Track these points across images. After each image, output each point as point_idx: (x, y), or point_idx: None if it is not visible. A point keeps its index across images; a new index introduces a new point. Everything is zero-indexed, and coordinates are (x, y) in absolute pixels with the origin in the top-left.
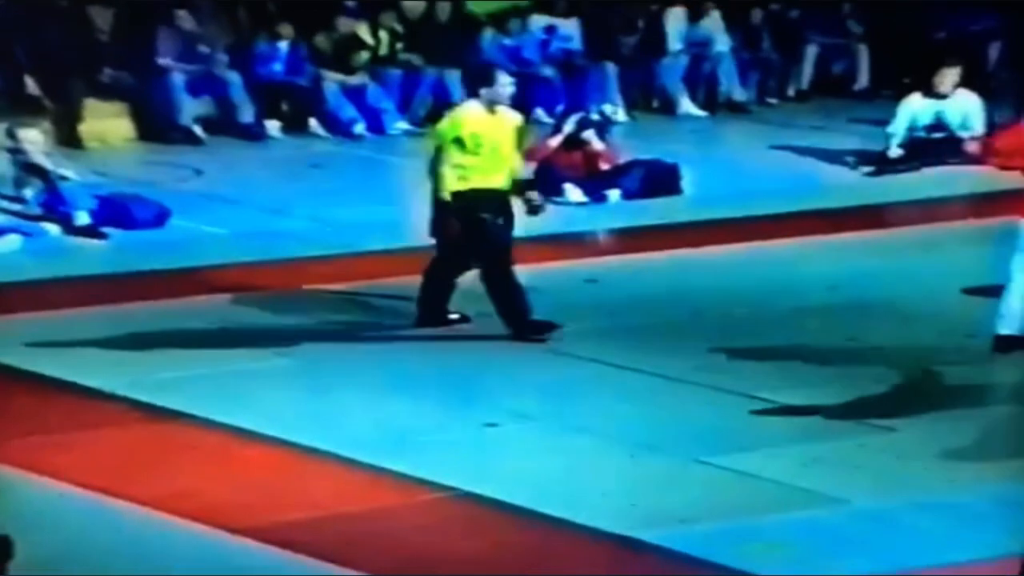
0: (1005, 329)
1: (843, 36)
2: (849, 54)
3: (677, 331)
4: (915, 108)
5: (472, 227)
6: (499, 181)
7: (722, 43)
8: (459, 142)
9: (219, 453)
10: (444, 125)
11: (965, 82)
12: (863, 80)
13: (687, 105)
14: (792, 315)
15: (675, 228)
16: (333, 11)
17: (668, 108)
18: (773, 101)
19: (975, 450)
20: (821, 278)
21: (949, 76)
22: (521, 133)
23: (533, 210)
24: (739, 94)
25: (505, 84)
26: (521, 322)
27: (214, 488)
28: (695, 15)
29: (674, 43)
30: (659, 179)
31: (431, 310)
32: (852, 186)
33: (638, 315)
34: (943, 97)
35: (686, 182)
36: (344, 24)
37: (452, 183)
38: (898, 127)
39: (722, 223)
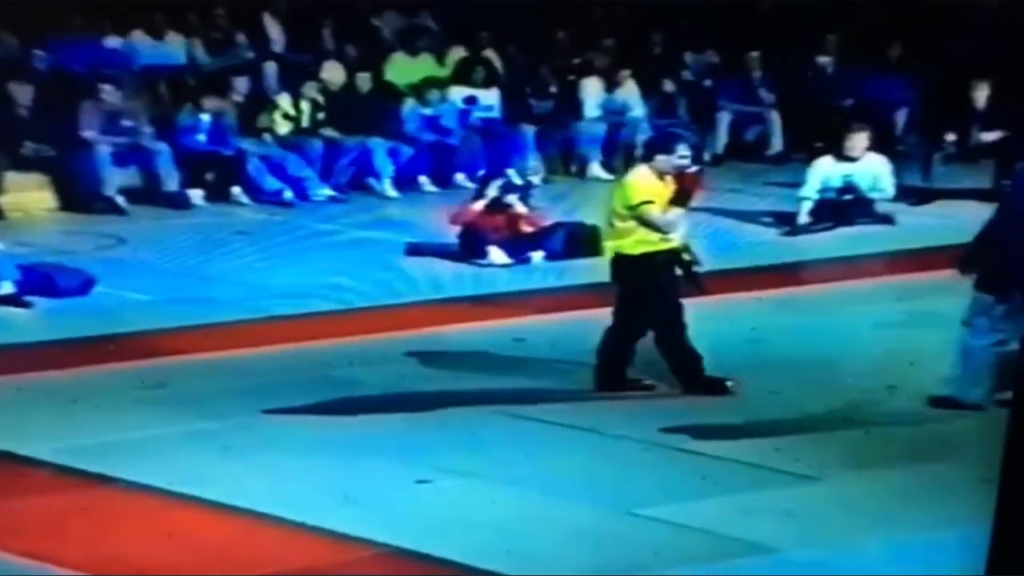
0: (947, 390)
1: (755, 103)
2: (762, 120)
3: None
4: (826, 171)
5: (649, 289)
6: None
7: (638, 110)
8: (631, 207)
9: (151, 517)
10: (620, 191)
11: (874, 146)
12: (776, 145)
13: (596, 169)
14: (716, 370)
15: (599, 288)
16: (257, 82)
17: (584, 172)
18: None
19: (902, 501)
20: (743, 333)
21: (858, 140)
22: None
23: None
24: None
25: (682, 155)
26: (697, 380)
27: (146, 552)
28: (611, 84)
29: (591, 110)
30: (581, 240)
31: (610, 375)
32: (769, 245)
33: (567, 372)
34: (853, 160)
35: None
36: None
37: (632, 246)
38: (809, 190)
39: None
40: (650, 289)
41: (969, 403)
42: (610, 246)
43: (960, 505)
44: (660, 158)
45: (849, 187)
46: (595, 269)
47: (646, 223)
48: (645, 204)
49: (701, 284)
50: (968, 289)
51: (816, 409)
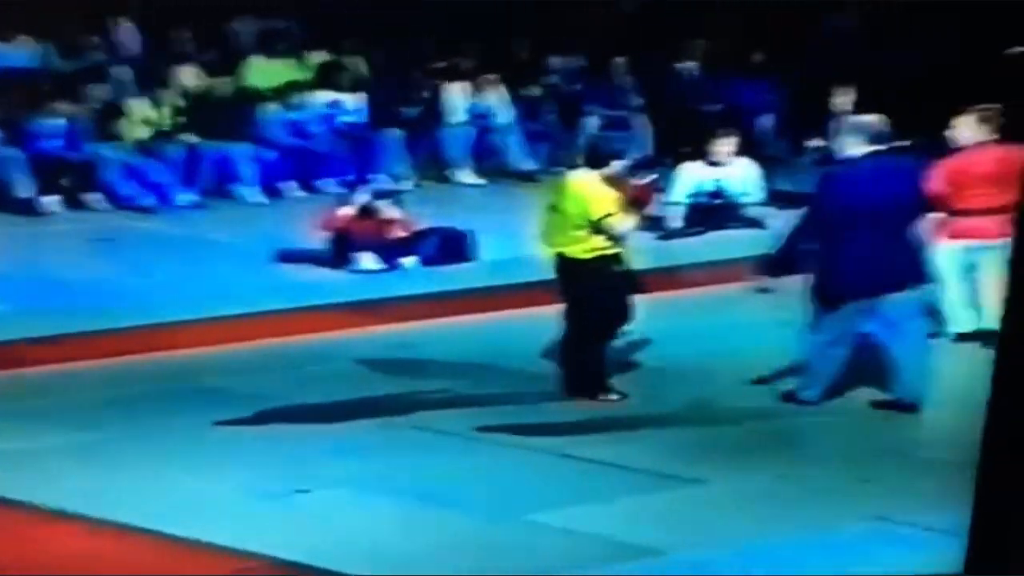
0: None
1: (622, 108)
2: (628, 125)
3: (491, 392)
4: (694, 176)
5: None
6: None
7: (505, 115)
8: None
9: (21, 532)
10: (576, 199)
11: (742, 151)
12: (646, 149)
13: (465, 174)
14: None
15: (477, 292)
16: (113, 86)
17: (453, 177)
18: (560, 170)
19: (784, 501)
20: (622, 337)
21: (725, 145)
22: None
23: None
24: (526, 163)
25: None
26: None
27: (17, 568)
28: (477, 88)
29: (458, 115)
30: (454, 246)
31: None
32: (643, 250)
33: (452, 379)
34: (721, 165)
35: (481, 248)
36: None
37: (583, 251)
38: (677, 195)
39: (522, 287)
40: (601, 291)
41: (803, 400)
42: (556, 250)
43: (839, 505)
44: (615, 165)
45: (719, 191)
46: (470, 273)
47: (604, 232)
48: (609, 216)
49: (642, 284)
50: None
51: (695, 412)
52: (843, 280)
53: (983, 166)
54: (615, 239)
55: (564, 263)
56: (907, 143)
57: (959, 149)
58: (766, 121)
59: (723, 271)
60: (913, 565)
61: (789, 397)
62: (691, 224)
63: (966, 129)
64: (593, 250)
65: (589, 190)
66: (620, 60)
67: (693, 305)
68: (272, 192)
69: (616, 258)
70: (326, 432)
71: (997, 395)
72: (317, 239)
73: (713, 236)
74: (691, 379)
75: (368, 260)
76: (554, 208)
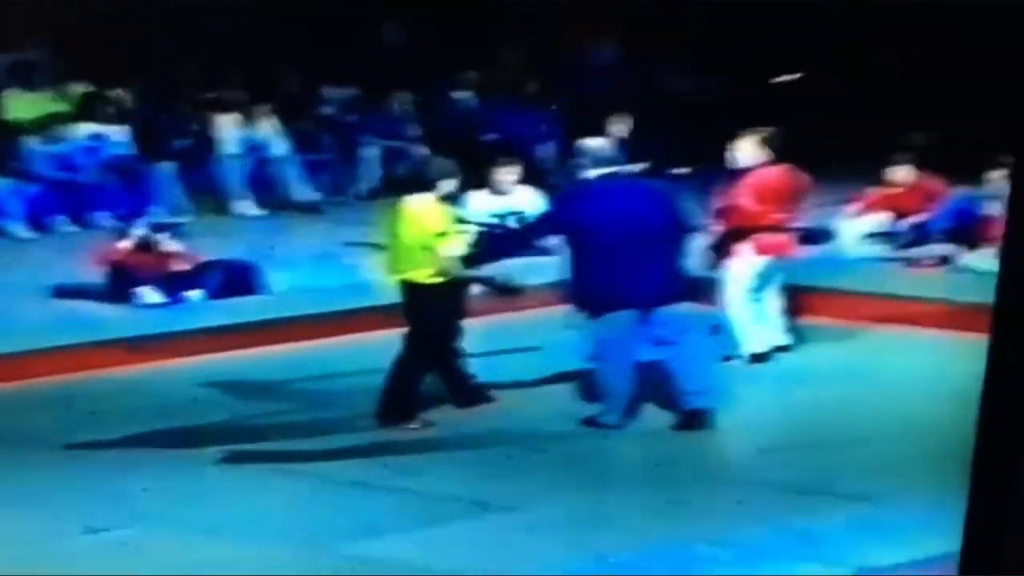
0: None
1: (401, 139)
2: (410, 155)
3: (294, 422)
4: (479, 204)
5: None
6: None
7: (280, 146)
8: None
9: None
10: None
11: (524, 179)
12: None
13: (245, 206)
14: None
15: (271, 324)
16: None
17: (231, 209)
18: (344, 200)
19: (597, 524)
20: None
21: (508, 174)
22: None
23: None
24: (307, 194)
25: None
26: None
27: None
28: (249, 119)
29: (230, 146)
30: (240, 278)
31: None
32: None
33: (246, 410)
34: (504, 193)
35: (270, 280)
36: None
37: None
38: (465, 226)
39: (313, 318)
40: (443, 315)
41: (605, 424)
42: (399, 276)
43: (652, 526)
44: (444, 186)
45: (505, 220)
46: (260, 305)
47: (438, 255)
48: (442, 236)
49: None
50: None
51: (503, 438)
52: (596, 292)
53: (767, 186)
54: (448, 262)
55: (407, 289)
56: (647, 165)
57: (740, 171)
58: (547, 149)
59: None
60: None
61: (591, 422)
62: (487, 251)
63: (746, 151)
64: (432, 275)
65: (423, 213)
66: (396, 91)
67: (488, 332)
68: (41, 227)
69: (455, 283)
70: (119, 470)
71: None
72: (94, 273)
73: (505, 264)
74: (499, 405)
75: (150, 294)
76: (393, 234)
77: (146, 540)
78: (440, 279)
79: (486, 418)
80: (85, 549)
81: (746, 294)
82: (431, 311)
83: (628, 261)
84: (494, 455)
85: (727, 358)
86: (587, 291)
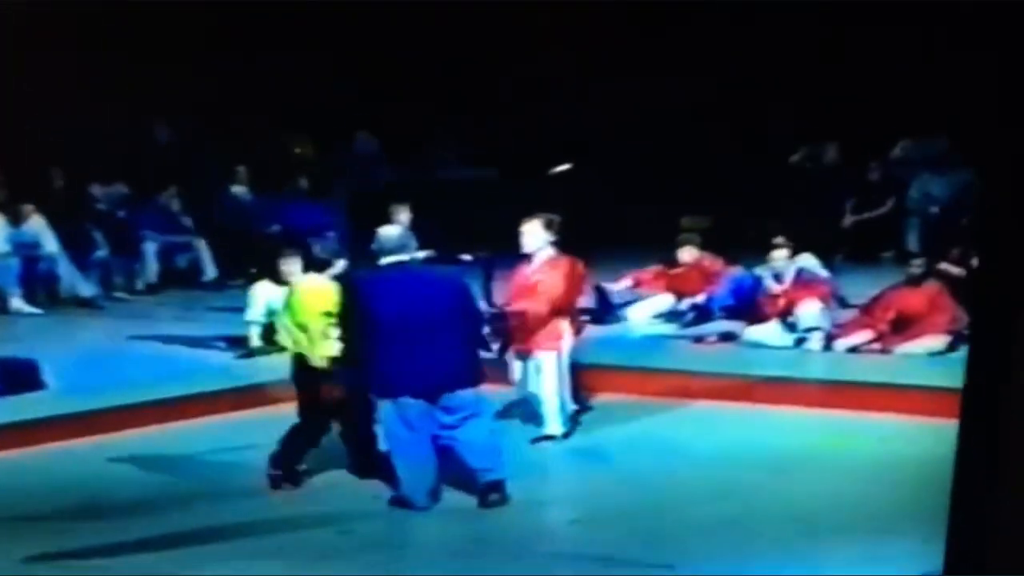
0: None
1: (179, 232)
2: (191, 248)
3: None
4: (268, 294)
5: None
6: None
7: (51, 243)
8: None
9: None
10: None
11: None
12: (210, 271)
13: (18, 303)
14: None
15: (50, 421)
16: None
17: (5, 307)
18: (123, 295)
19: None
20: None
21: (293, 264)
22: None
23: None
24: (85, 290)
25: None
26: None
27: None
28: (16, 217)
29: (1, 245)
30: (18, 375)
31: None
32: (226, 368)
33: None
34: (288, 283)
35: (49, 376)
36: None
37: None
38: (254, 314)
39: (98, 412)
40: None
41: (415, 504)
42: (298, 352)
43: None
44: (338, 266)
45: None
46: (41, 402)
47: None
48: (328, 315)
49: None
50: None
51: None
52: (389, 377)
53: (552, 275)
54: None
55: (303, 365)
56: (434, 253)
57: (526, 255)
58: (330, 239)
59: None
60: None
61: (400, 502)
62: (274, 342)
63: (532, 235)
64: (325, 354)
65: (316, 293)
66: (169, 186)
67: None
68: None
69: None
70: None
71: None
72: None
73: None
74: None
75: None
76: (290, 312)
77: None
78: (327, 358)
79: (294, 502)
80: None
81: (561, 374)
82: (316, 386)
83: (418, 347)
84: (302, 538)
85: (542, 438)
86: (380, 376)
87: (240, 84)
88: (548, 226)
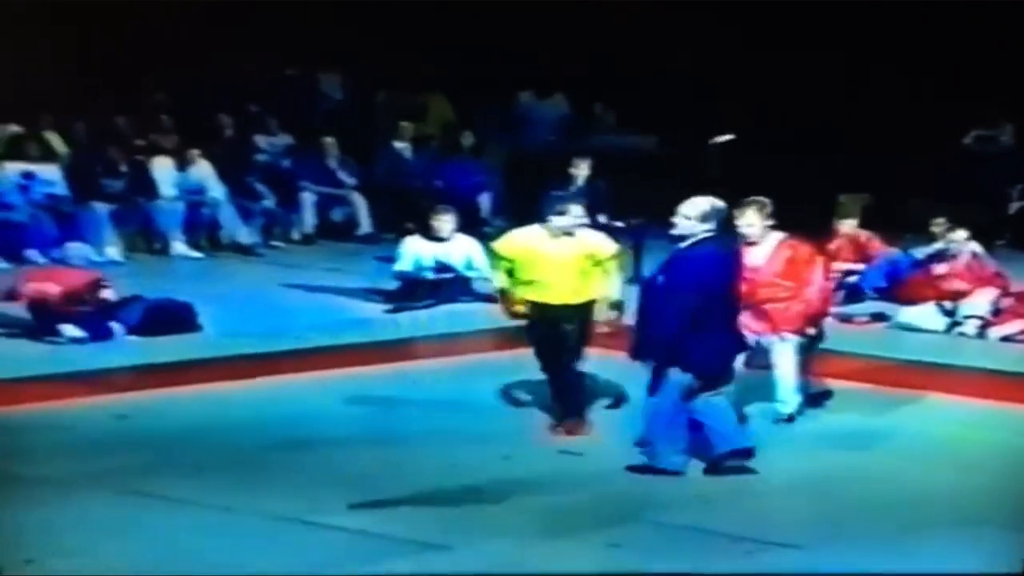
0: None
1: (336, 185)
2: (347, 202)
3: (216, 462)
4: (417, 250)
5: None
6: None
7: (216, 190)
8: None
9: None
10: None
11: (461, 228)
12: (365, 226)
13: (181, 247)
14: (322, 444)
15: (201, 364)
16: None
17: (167, 250)
18: (280, 244)
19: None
20: (351, 409)
21: (446, 221)
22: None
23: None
24: (244, 237)
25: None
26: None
27: None
28: (182, 163)
29: (166, 189)
30: (172, 316)
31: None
32: (372, 321)
33: (171, 448)
34: (443, 240)
35: (204, 319)
36: None
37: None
38: (403, 266)
39: (248, 358)
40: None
41: (668, 470)
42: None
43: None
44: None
45: (444, 265)
46: (194, 344)
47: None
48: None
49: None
50: None
51: (436, 481)
52: (701, 354)
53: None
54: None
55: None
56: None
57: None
58: (484, 200)
59: (455, 343)
60: None
61: (645, 469)
62: (421, 297)
63: (750, 226)
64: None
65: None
66: (329, 139)
67: (430, 375)
68: None
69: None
70: (49, 502)
71: None
72: (14, 308)
73: (444, 309)
74: (431, 446)
75: (72, 330)
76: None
77: (78, 571)
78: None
79: (415, 461)
80: None
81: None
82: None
83: (721, 322)
84: (421, 497)
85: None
86: (690, 351)
87: (407, 40)
88: (762, 209)
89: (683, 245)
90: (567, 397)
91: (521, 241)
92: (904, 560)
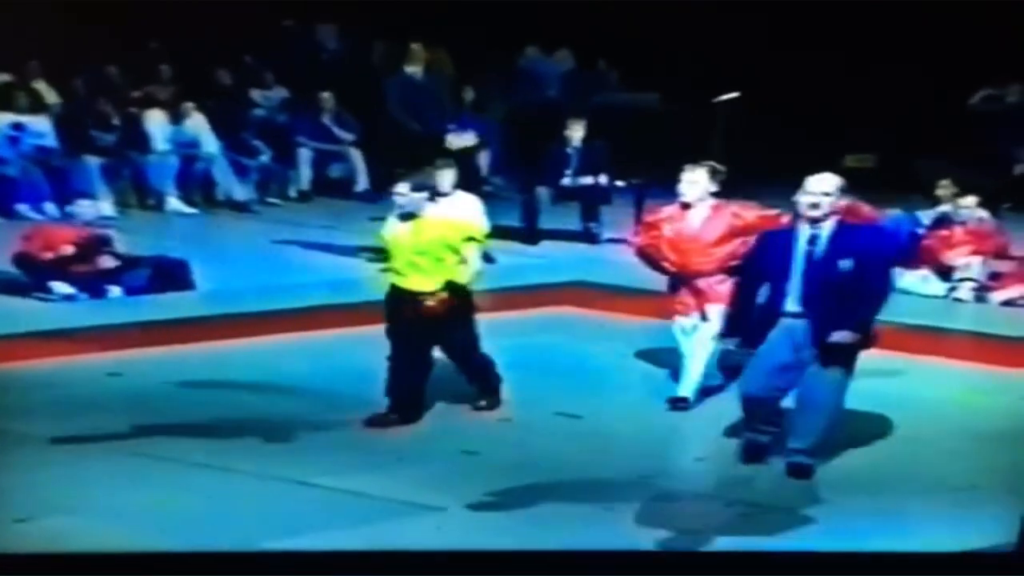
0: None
1: (333, 142)
2: (344, 158)
3: (211, 421)
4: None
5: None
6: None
7: (210, 144)
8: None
9: None
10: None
11: (461, 184)
12: (363, 182)
13: (175, 203)
14: (318, 404)
15: (195, 321)
16: None
17: (161, 205)
18: (276, 201)
19: (531, 529)
20: (347, 368)
21: (446, 176)
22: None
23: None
24: (239, 193)
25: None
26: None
27: None
28: (176, 116)
29: (159, 143)
30: (167, 274)
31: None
32: (368, 281)
33: (171, 407)
34: (443, 195)
35: (198, 277)
36: None
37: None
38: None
39: (242, 317)
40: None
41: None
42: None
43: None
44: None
45: None
46: (188, 302)
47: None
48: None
49: None
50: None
51: (444, 443)
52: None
53: None
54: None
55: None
56: None
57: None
58: (483, 158)
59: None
60: None
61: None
62: None
63: (693, 183)
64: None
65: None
66: (325, 94)
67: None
68: None
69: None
70: (51, 460)
71: None
72: (12, 265)
73: None
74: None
75: (63, 287)
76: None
77: (75, 529)
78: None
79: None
80: (14, 536)
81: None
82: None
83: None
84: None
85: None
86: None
87: None
88: (713, 175)
89: (843, 223)
90: (479, 379)
91: (386, 227)
92: (899, 526)
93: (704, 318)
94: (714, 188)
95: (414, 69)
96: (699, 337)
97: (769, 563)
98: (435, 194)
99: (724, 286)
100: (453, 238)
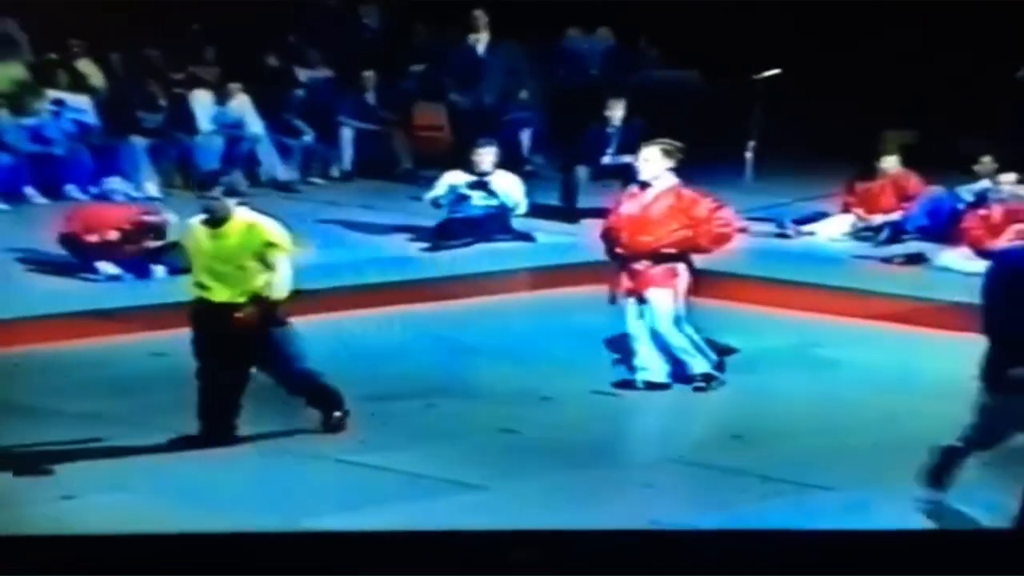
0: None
1: (376, 122)
2: (386, 139)
3: (254, 401)
4: (457, 183)
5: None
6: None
7: (255, 125)
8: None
9: None
10: None
11: (502, 164)
12: (405, 162)
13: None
14: (369, 381)
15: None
16: None
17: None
18: (318, 181)
19: (569, 507)
20: (388, 348)
21: (487, 156)
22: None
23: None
24: (282, 173)
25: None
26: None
27: None
28: (221, 97)
29: (204, 123)
30: None
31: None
32: (408, 260)
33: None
34: (484, 175)
35: None
36: None
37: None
38: (438, 193)
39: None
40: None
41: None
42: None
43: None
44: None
45: (484, 201)
46: None
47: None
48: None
49: None
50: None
51: (470, 421)
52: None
53: None
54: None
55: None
56: None
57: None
58: (524, 137)
59: (492, 282)
60: None
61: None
62: (459, 236)
63: (649, 162)
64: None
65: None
66: (368, 74)
67: (466, 315)
68: (14, 198)
69: None
70: (88, 440)
71: None
72: (60, 245)
73: (482, 248)
74: (472, 385)
75: (109, 267)
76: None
77: (121, 506)
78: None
79: (453, 401)
80: (62, 513)
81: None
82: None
83: None
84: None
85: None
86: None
87: None
88: (668, 154)
89: None
90: (313, 399)
91: (186, 233)
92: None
93: (642, 300)
94: (669, 165)
95: (477, 37)
96: (644, 320)
97: (811, 541)
98: (478, 174)
99: (656, 270)
100: (254, 244)
